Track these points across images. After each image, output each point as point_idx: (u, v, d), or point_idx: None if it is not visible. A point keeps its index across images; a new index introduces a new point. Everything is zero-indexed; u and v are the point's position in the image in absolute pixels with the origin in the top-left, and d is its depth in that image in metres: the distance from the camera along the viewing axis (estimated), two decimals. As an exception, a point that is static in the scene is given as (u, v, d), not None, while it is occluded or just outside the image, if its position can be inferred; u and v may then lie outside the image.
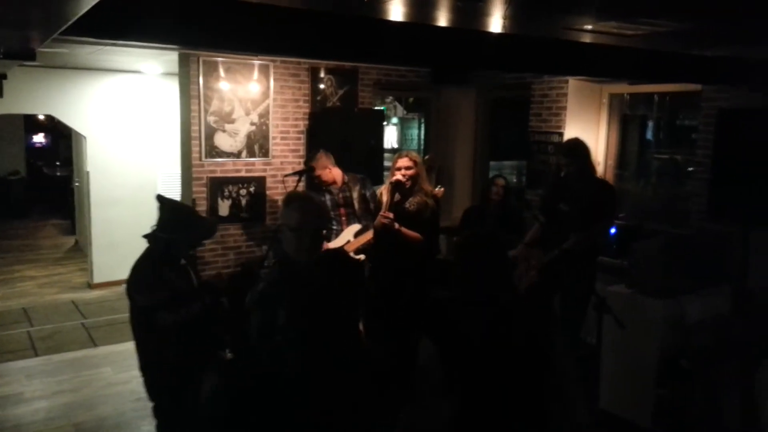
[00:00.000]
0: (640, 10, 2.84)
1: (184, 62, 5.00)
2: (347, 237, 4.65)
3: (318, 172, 4.69)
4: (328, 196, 4.80)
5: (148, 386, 3.14)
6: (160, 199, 3.09)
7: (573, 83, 5.49)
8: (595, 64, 3.72)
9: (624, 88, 5.52)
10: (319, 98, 5.56)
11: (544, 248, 4.36)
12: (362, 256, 4.47)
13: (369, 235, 4.54)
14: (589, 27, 3.36)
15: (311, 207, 2.62)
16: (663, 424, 3.82)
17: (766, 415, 3.04)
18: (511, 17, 3.08)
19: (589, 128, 5.60)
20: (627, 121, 5.78)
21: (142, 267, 2.99)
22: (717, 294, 4.13)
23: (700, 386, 3.63)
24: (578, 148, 4.45)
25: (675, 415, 3.76)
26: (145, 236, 3.04)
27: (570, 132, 5.49)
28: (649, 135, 5.90)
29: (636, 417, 4.00)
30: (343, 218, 4.83)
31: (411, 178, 4.31)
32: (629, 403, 4.08)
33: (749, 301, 4.03)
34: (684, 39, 3.57)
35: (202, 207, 5.12)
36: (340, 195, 4.81)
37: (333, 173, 4.73)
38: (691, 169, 4.98)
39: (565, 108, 5.52)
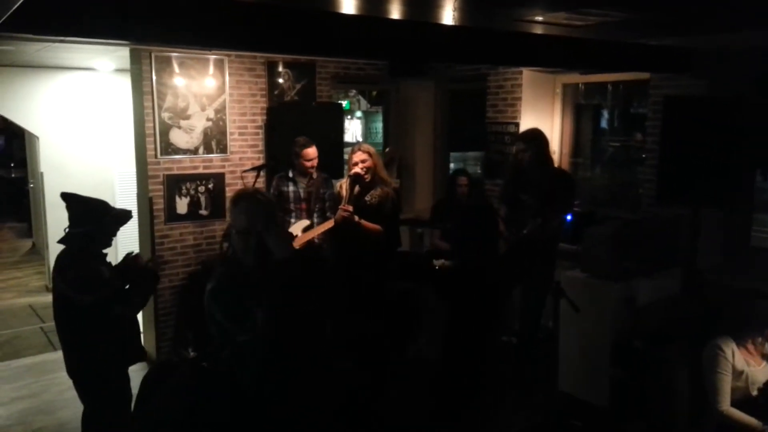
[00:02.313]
0: (588, 1, 2.90)
1: (135, 58, 4.91)
2: (296, 231, 4.67)
3: (310, 160, 4.72)
4: (292, 188, 4.82)
5: (78, 389, 3.17)
6: (66, 196, 3.11)
7: (527, 74, 5.57)
8: (546, 55, 3.79)
9: (577, 78, 5.64)
10: (276, 92, 5.53)
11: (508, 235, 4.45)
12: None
13: (315, 232, 4.60)
14: (539, 18, 3.42)
15: (258, 208, 2.57)
16: (619, 404, 3.94)
17: (711, 390, 3.16)
18: (461, 9, 3.13)
19: (543, 118, 5.70)
20: (581, 110, 5.90)
21: (72, 265, 2.99)
22: (667, 276, 4.27)
23: (652, 366, 3.75)
24: (535, 136, 4.55)
25: (630, 394, 3.87)
26: (61, 240, 3.07)
27: (525, 122, 5.58)
28: (603, 123, 6.03)
29: (593, 398, 4.12)
30: (303, 213, 4.85)
31: (369, 170, 4.35)
32: (587, 384, 4.19)
33: (698, 281, 4.17)
34: (631, 29, 3.67)
35: (159, 206, 5.05)
36: (308, 190, 4.83)
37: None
38: (644, 156, 5.12)
39: (520, 99, 5.61)
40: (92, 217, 3.05)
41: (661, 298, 4.06)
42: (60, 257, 3.08)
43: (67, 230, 3.08)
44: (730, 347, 3.17)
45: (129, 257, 3.32)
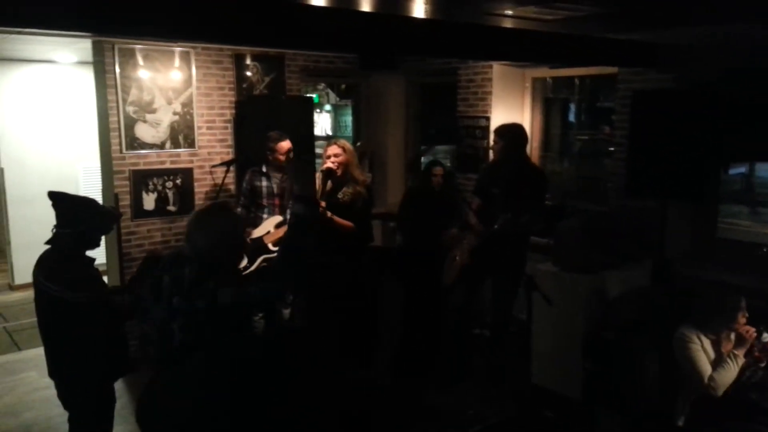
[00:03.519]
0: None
1: (98, 50, 4.78)
2: (268, 227, 4.63)
3: (284, 153, 4.69)
4: (265, 183, 4.77)
5: (64, 393, 3.09)
6: (53, 195, 2.99)
7: (497, 68, 5.59)
8: (515, 49, 3.79)
9: (546, 72, 5.67)
10: (245, 86, 5.44)
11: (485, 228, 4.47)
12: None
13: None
14: (509, 12, 3.43)
15: (227, 240, 2.45)
16: (591, 395, 3.98)
17: (691, 372, 3.22)
18: (432, 2, 3.11)
19: (514, 112, 5.73)
20: (550, 104, 5.95)
21: (62, 266, 2.91)
22: (637, 268, 4.33)
23: (623, 357, 3.80)
24: (510, 131, 4.57)
25: (602, 385, 3.92)
26: (49, 242, 2.97)
27: (496, 116, 5.60)
28: (571, 117, 6.09)
29: (566, 390, 4.16)
30: (276, 208, 4.80)
31: (341, 165, 4.31)
32: (558, 375, 4.23)
33: (667, 272, 4.24)
34: (599, 23, 3.70)
35: (125, 202, 4.93)
36: (281, 185, 4.78)
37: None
38: (611, 149, 5.18)
39: (490, 93, 5.62)
40: (81, 217, 2.96)
41: (631, 290, 4.12)
42: (45, 257, 2.97)
43: (54, 230, 2.97)
44: (695, 333, 3.25)
45: None
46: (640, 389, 3.73)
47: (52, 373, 3.08)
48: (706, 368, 3.19)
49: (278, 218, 4.71)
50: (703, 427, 3.21)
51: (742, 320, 3.27)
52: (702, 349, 3.23)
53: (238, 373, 2.38)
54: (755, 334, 3.21)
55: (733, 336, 3.31)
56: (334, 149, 4.34)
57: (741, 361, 3.16)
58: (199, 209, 2.60)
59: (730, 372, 3.15)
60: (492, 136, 4.83)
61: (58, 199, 3.01)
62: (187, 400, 2.37)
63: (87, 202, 3.07)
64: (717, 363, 3.21)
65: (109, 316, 2.95)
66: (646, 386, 3.71)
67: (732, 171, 4.80)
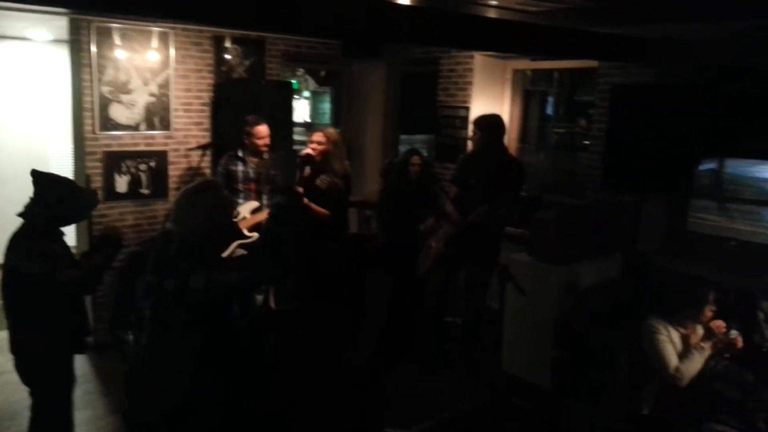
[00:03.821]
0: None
1: (74, 28, 4.66)
2: (244, 213, 4.61)
3: (262, 138, 4.64)
4: (241, 168, 4.72)
5: (22, 367, 3.08)
6: (36, 174, 2.98)
7: (479, 59, 5.60)
8: (499, 40, 3.79)
9: (526, 65, 5.70)
10: (224, 69, 5.37)
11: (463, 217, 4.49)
12: (255, 234, 4.46)
13: (264, 214, 4.54)
14: (494, 2, 3.43)
15: (216, 217, 2.44)
16: (560, 384, 4.05)
17: (657, 362, 3.28)
18: (416, -11, 3.10)
19: (494, 103, 5.75)
20: (529, 97, 5.99)
21: (27, 239, 2.90)
22: (609, 260, 4.39)
23: (594, 347, 3.86)
24: (488, 122, 4.59)
25: (572, 375, 3.99)
26: (21, 215, 2.93)
27: (476, 106, 5.62)
28: (549, 110, 6.14)
29: (536, 378, 4.22)
30: (252, 193, 4.77)
31: (321, 153, 4.30)
32: (529, 364, 4.29)
33: (639, 264, 4.31)
34: (584, 16, 3.72)
35: (97, 184, 4.84)
36: (257, 170, 4.74)
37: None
38: (587, 142, 5.23)
39: (471, 83, 5.63)
40: (60, 200, 2.94)
41: (603, 282, 4.18)
42: (16, 234, 2.96)
43: (29, 207, 2.94)
44: (663, 324, 3.31)
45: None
46: (608, 379, 3.80)
47: (12, 348, 3.07)
48: (673, 359, 3.25)
49: (254, 204, 4.68)
50: (668, 416, 3.28)
51: (709, 313, 3.34)
52: (669, 341, 3.29)
53: (208, 358, 2.36)
54: (724, 329, 3.27)
55: (700, 328, 3.38)
56: (318, 136, 4.34)
57: (707, 353, 3.23)
58: (186, 187, 2.54)
59: (696, 363, 3.22)
60: (471, 127, 4.84)
61: (40, 178, 2.98)
62: (160, 381, 2.36)
63: (68, 185, 3.05)
64: (684, 354, 3.27)
65: (60, 290, 2.92)
66: (614, 376, 3.78)
67: (702, 167, 4.89)
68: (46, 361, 3.05)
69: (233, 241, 4.46)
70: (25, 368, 3.09)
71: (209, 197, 2.43)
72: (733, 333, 3.26)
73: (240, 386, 2.39)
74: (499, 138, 4.60)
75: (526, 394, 4.18)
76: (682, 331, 3.33)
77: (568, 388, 3.98)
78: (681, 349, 3.28)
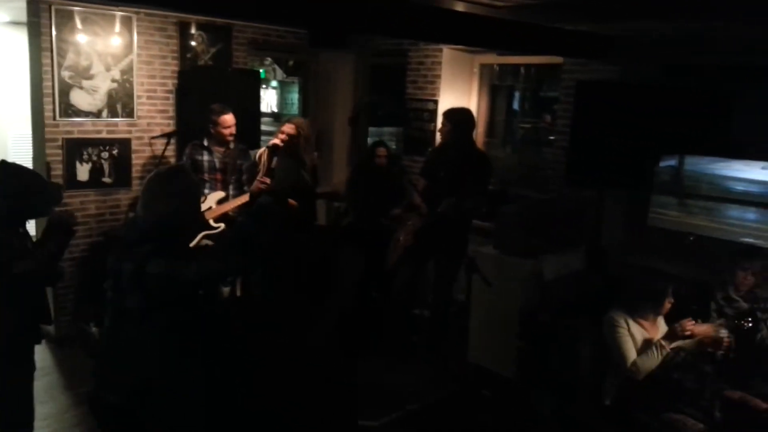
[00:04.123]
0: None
1: (33, 11, 4.51)
2: (210, 203, 4.55)
3: (228, 127, 4.56)
4: (207, 157, 4.65)
5: None
6: (2, 164, 2.91)
7: (447, 52, 5.62)
8: (466, 33, 3.81)
9: (493, 59, 5.74)
10: (189, 56, 5.26)
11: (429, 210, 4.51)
12: (222, 225, 4.42)
13: (230, 205, 4.50)
14: (462, -5, 3.45)
15: (191, 204, 2.43)
16: (524, 375, 4.12)
17: (615, 355, 3.36)
18: (386, -20, 3.09)
19: (461, 97, 5.78)
20: (496, 91, 6.03)
21: None
22: (573, 253, 4.47)
23: (557, 338, 3.94)
24: (457, 115, 4.61)
25: (535, 365, 4.06)
26: None
27: (444, 100, 5.64)
28: (515, 105, 6.20)
29: (501, 368, 4.28)
30: (218, 183, 4.70)
31: (290, 145, 4.27)
32: (495, 355, 4.35)
33: (601, 258, 4.41)
34: (550, 13, 3.76)
35: (57, 171, 4.71)
36: (224, 160, 4.67)
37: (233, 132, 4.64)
38: (552, 137, 5.31)
39: (439, 76, 5.65)
40: (24, 193, 2.85)
41: (567, 274, 4.26)
42: None
43: None
44: (623, 317, 3.38)
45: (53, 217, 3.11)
46: (571, 369, 3.88)
47: None
48: (631, 353, 3.32)
49: (220, 194, 4.62)
50: (629, 406, 3.37)
51: (668, 305, 3.44)
52: (629, 334, 3.36)
53: (173, 343, 2.32)
54: (689, 332, 3.27)
55: (661, 320, 3.47)
56: (288, 127, 4.31)
57: (665, 351, 3.27)
58: (158, 170, 2.47)
59: (653, 361, 3.27)
60: (440, 119, 4.86)
61: (6, 169, 2.90)
62: (121, 364, 2.34)
63: (33, 179, 2.96)
64: (643, 348, 3.35)
65: (16, 280, 2.84)
66: (577, 367, 3.87)
67: (662, 164, 5.01)
68: (4, 350, 2.96)
69: (200, 231, 4.40)
70: None
71: (181, 183, 2.38)
72: (723, 332, 3.26)
73: (210, 374, 2.36)
74: (468, 132, 4.63)
75: (493, 385, 4.24)
76: (643, 323, 3.42)
77: (533, 379, 4.06)
78: (641, 343, 3.36)
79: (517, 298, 4.20)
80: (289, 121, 4.44)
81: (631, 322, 3.38)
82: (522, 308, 4.14)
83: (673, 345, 3.29)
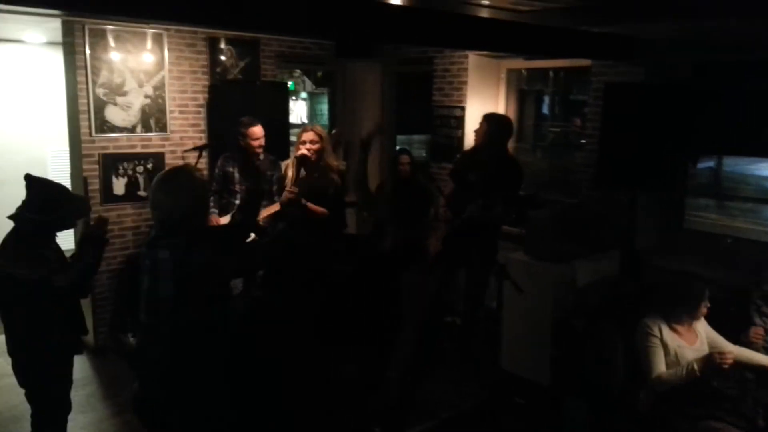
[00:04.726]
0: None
1: (68, 30, 4.67)
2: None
3: (256, 139, 4.62)
4: (237, 168, 4.72)
5: (20, 369, 3.09)
6: (29, 178, 2.98)
7: (473, 58, 5.60)
8: (492, 39, 3.80)
9: (521, 64, 5.71)
10: (219, 70, 5.37)
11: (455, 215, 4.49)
12: (252, 235, 4.47)
13: (260, 215, 4.53)
14: (486, 2, 3.44)
15: (189, 197, 2.53)
16: (558, 382, 4.05)
17: (644, 363, 3.29)
18: (409, -11, 3.10)
19: (488, 102, 5.76)
20: (524, 96, 5.99)
21: (15, 244, 2.91)
22: (606, 258, 4.41)
23: (591, 344, 3.87)
24: (496, 118, 4.61)
25: (569, 372, 3.99)
26: (11, 217, 2.93)
27: (471, 106, 5.63)
28: (544, 109, 6.15)
29: (536, 376, 4.22)
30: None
31: (316, 152, 4.30)
32: (528, 362, 4.30)
33: (635, 262, 4.33)
34: (575, 15, 3.73)
35: (94, 186, 4.85)
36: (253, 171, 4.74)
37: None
38: (583, 141, 5.24)
39: (466, 82, 5.64)
40: (51, 207, 2.93)
41: (600, 279, 4.19)
42: (6, 238, 2.96)
43: (20, 211, 2.93)
44: (658, 324, 3.30)
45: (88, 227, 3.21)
46: (606, 376, 3.80)
47: (9, 350, 3.09)
48: (659, 365, 3.23)
49: None
50: (667, 413, 3.28)
51: (704, 310, 3.35)
52: (660, 343, 3.27)
53: (200, 336, 2.42)
54: (727, 364, 3.10)
55: (696, 325, 3.38)
56: (309, 135, 4.32)
57: (694, 376, 3.14)
58: (162, 172, 2.63)
59: (679, 379, 3.17)
60: (468, 125, 4.84)
61: (33, 183, 2.98)
62: (156, 356, 2.45)
63: (60, 192, 3.03)
64: (675, 356, 3.26)
65: (53, 293, 2.93)
66: (612, 373, 3.79)
67: (700, 165, 4.91)
68: (43, 362, 3.05)
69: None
70: (22, 370, 3.10)
71: (183, 181, 2.51)
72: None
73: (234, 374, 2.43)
74: (504, 138, 4.60)
75: (526, 392, 4.19)
76: (678, 328, 3.34)
77: (567, 386, 3.99)
78: (673, 351, 3.27)
79: (549, 304, 4.15)
80: (305, 130, 4.43)
81: (665, 329, 3.30)
82: (555, 315, 4.09)
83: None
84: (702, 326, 3.41)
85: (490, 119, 4.57)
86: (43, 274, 2.89)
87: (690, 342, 3.32)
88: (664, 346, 3.27)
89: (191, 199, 2.47)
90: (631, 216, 4.48)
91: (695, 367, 3.13)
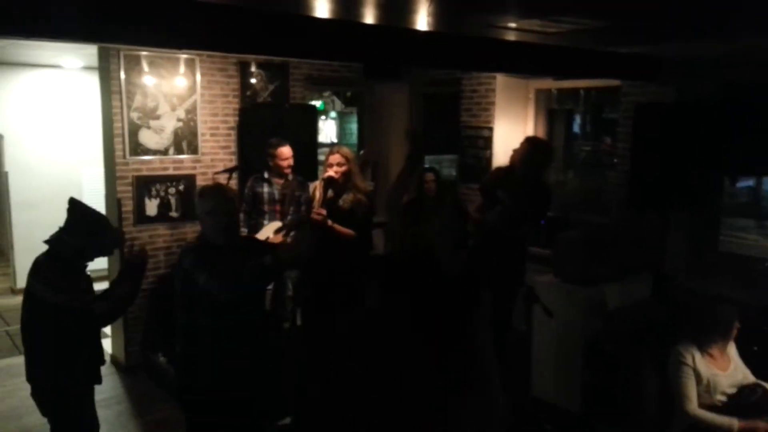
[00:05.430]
0: (560, 9, 2.93)
1: (104, 56, 4.81)
2: (267, 233, 4.65)
3: (285, 159, 4.72)
4: (267, 189, 4.80)
5: (44, 396, 3.07)
6: (72, 202, 3.02)
7: (501, 79, 5.60)
8: (519, 62, 3.81)
9: (550, 84, 5.69)
10: (249, 93, 5.46)
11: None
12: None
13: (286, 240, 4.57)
14: (513, 25, 3.44)
15: (223, 193, 2.80)
16: (591, 409, 3.97)
17: (677, 394, 3.21)
18: (435, 15, 3.12)
19: (517, 123, 5.74)
20: (553, 116, 5.96)
21: (50, 267, 2.91)
22: (637, 280, 4.33)
23: (623, 369, 3.79)
24: (535, 141, 4.57)
25: (601, 398, 3.91)
26: (48, 241, 2.96)
27: (499, 126, 5.62)
28: (575, 128, 6.10)
29: (566, 402, 4.15)
30: (277, 214, 4.82)
31: (343, 174, 4.33)
32: (557, 388, 4.22)
33: (667, 285, 4.24)
34: (602, 36, 3.71)
35: (128, 207, 4.96)
36: (282, 191, 4.80)
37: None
38: (615, 161, 5.18)
39: (493, 103, 5.64)
40: (89, 232, 2.96)
41: (631, 302, 4.11)
42: (40, 261, 2.97)
43: (57, 234, 2.96)
44: (691, 353, 3.22)
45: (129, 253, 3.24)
46: (638, 404, 3.72)
47: (28, 376, 3.06)
48: (691, 396, 3.16)
49: (277, 224, 4.72)
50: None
51: (735, 332, 3.27)
52: (693, 372, 3.18)
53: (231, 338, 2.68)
54: None
55: (729, 348, 3.29)
56: (336, 158, 4.34)
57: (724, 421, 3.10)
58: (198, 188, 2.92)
59: (715, 427, 3.11)
60: (497, 146, 4.80)
61: (75, 207, 3.00)
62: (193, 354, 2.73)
63: (99, 221, 3.06)
64: (707, 384, 3.18)
65: (86, 322, 2.95)
66: (644, 400, 3.70)
67: (739, 184, 4.79)
68: (63, 392, 3.02)
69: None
70: (41, 399, 3.07)
71: (210, 191, 2.81)
72: None
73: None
74: (544, 163, 4.51)
75: (555, 419, 4.11)
76: (712, 353, 3.25)
77: (598, 412, 3.91)
78: (706, 378, 3.19)
79: (579, 328, 4.08)
80: (332, 152, 4.46)
81: (697, 356, 3.22)
82: (585, 339, 4.02)
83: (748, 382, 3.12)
84: (733, 350, 3.32)
85: (532, 142, 4.49)
86: (85, 300, 2.91)
87: (723, 368, 3.23)
88: (697, 374, 3.19)
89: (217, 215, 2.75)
90: (663, 237, 4.40)
91: (735, 426, 3.08)
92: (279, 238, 4.59)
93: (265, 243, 4.57)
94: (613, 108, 5.49)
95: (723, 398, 3.20)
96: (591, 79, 5.17)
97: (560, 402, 4.18)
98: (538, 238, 4.80)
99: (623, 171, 4.76)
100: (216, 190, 2.86)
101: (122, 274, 3.10)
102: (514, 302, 4.46)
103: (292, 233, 4.51)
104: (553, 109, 5.96)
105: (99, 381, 3.19)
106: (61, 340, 2.93)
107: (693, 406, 3.16)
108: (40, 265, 2.94)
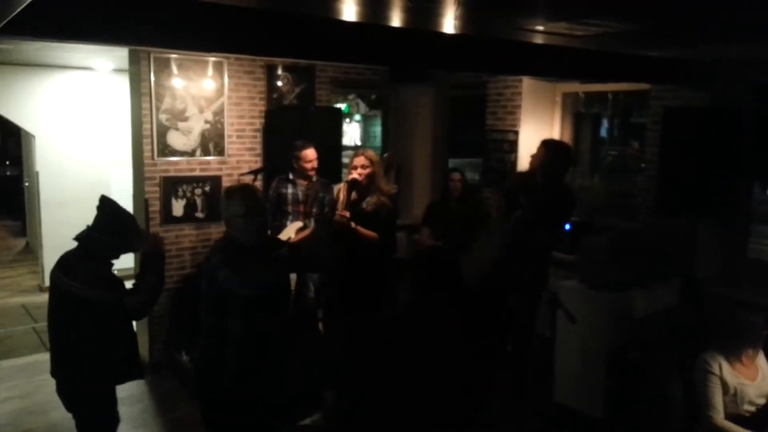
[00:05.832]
0: (588, 12, 2.90)
1: (134, 59, 4.89)
2: (289, 233, 4.66)
3: (309, 161, 4.75)
4: (291, 190, 4.83)
5: (66, 394, 3.13)
6: (103, 200, 3.07)
7: (527, 82, 5.57)
8: (546, 65, 3.78)
9: (577, 87, 5.64)
10: (275, 96, 5.51)
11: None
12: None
13: (306, 233, 4.58)
14: (540, 28, 3.42)
15: (254, 194, 2.84)
16: (613, 416, 3.92)
17: (703, 403, 3.14)
18: (462, 18, 3.12)
19: (543, 126, 5.70)
20: (580, 119, 5.90)
21: (81, 265, 2.95)
22: (665, 287, 4.26)
23: (648, 377, 3.74)
24: (555, 145, 4.51)
25: (625, 405, 3.86)
26: (78, 238, 3.01)
27: (525, 130, 5.58)
28: (602, 132, 6.04)
29: (589, 409, 4.10)
30: (300, 215, 4.85)
31: (367, 176, 4.33)
32: (582, 394, 4.17)
33: (696, 292, 4.16)
34: (631, 39, 3.67)
35: (155, 207, 5.02)
36: (306, 192, 4.83)
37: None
38: (642, 165, 5.11)
39: (519, 107, 5.60)
40: (118, 230, 3.02)
41: (658, 309, 4.05)
42: (68, 257, 3.02)
43: (87, 231, 3.01)
44: (718, 361, 3.16)
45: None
46: (663, 412, 3.66)
47: (55, 372, 3.12)
48: (717, 407, 3.10)
49: (299, 224, 4.74)
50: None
51: (763, 341, 3.20)
52: (719, 382, 3.12)
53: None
54: None
55: (759, 357, 3.22)
56: (360, 160, 4.35)
57: None
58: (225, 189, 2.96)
59: None
60: (522, 149, 4.78)
61: (106, 205, 3.05)
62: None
63: (129, 220, 3.12)
64: (735, 396, 3.12)
65: (121, 317, 2.99)
66: (669, 408, 3.64)
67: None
68: (91, 387, 3.06)
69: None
70: (67, 394, 3.11)
71: (240, 192, 2.82)
72: None
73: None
74: (562, 167, 4.45)
75: (578, 425, 4.07)
76: (740, 362, 3.19)
77: (622, 420, 3.86)
78: (733, 389, 3.13)
79: (604, 334, 4.03)
80: (356, 154, 4.47)
81: (724, 365, 3.15)
82: (610, 346, 3.97)
83: None
84: (762, 360, 3.25)
85: (549, 146, 4.41)
86: (118, 295, 2.95)
87: (751, 378, 3.16)
88: (724, 384, 3.12)
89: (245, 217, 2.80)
90: (691, 243, 4.32)
91: None
92: (301, 236, 4.61)
93: (287, 243, 4.62)
94: (642, 112, 5.42)
95: (751, 408, 3.13)
96: (620, 83, 5.11)
97: (583, 408, 4.13)
98: (563, 244, 4.74)
99: (651, 176, 4.69)
100: (246, 191, 2.84)
101: (143, 266, 3.14)
102: (537, 307, 4.43)
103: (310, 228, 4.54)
104: (580, 113, 5.90)
105: (141, 376, 3.25)
106: (93, 335, 2.96)
107: (719, 416, 3.09)
108: (70, 261, 2.99)
